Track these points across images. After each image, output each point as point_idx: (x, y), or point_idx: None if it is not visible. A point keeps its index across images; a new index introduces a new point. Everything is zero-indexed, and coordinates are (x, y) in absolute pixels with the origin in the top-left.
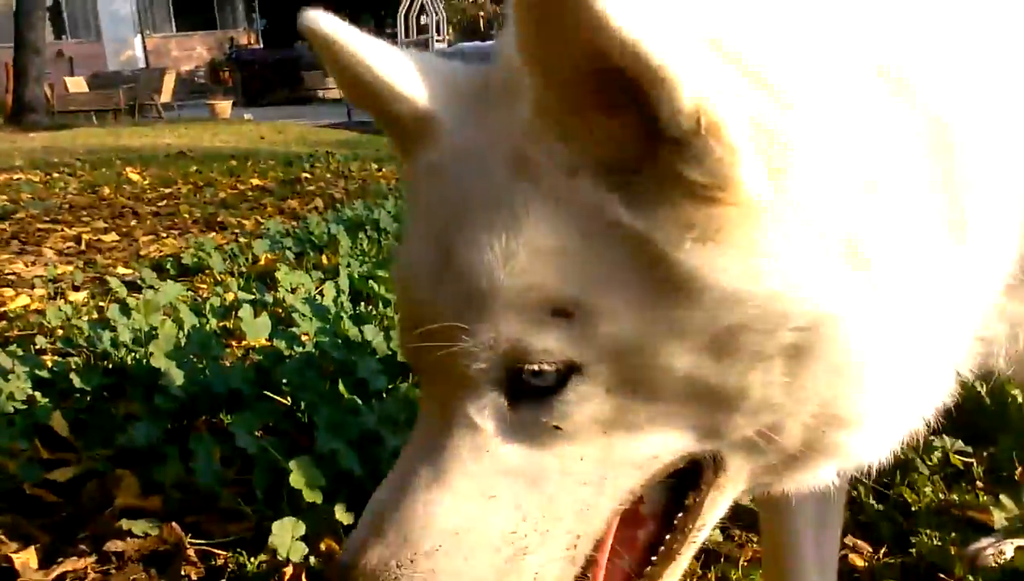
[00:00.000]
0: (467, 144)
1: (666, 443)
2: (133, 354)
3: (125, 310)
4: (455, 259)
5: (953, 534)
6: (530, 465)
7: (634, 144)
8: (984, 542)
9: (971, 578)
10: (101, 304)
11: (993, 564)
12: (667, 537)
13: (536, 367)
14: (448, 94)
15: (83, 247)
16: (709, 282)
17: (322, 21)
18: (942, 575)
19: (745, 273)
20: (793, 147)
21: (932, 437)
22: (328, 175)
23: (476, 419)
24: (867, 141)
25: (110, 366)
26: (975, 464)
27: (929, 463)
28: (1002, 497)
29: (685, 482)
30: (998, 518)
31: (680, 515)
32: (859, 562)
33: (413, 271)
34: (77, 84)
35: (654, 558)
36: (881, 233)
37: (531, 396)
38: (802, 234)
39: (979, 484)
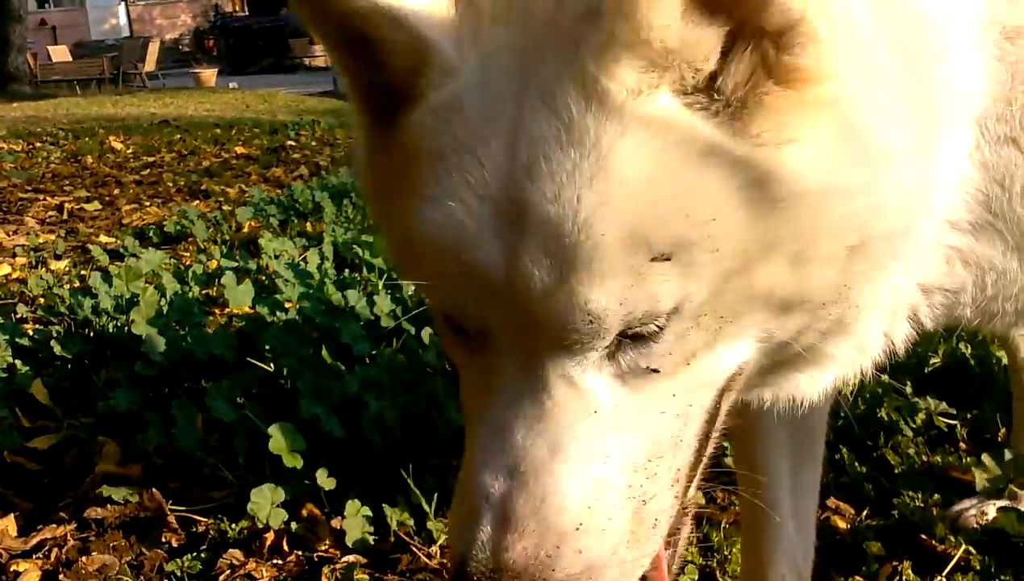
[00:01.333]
0: (498, 77)
1: (735, 356)
2: (114, 321)
3: (107, 278)
4: (535, 214)
5: (936, 496)
6: (634, 414)
7: (723, 52)
8: (966, 503)
9: (953, 539)
10: (83, 273)
11: (975, 525)
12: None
13: (642, 327)
14: (434, 15)
15: (65, 216)
16: (801, 184)
17: None
18: (924, 536)
19: (834, 165)
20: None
21: (916, 399)
22: (313, 143)
23: (577, 379)
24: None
25: (91, 334)
26: (959, 426)
27: (913, 425)
28: (984, 458)
29: None
30: (979, 479)
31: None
32: (842, 524)
33: (465, 230)
34: (60, 53)
35: None
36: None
37: (630, 345)
38: (869, 125)
39: (963, 446)
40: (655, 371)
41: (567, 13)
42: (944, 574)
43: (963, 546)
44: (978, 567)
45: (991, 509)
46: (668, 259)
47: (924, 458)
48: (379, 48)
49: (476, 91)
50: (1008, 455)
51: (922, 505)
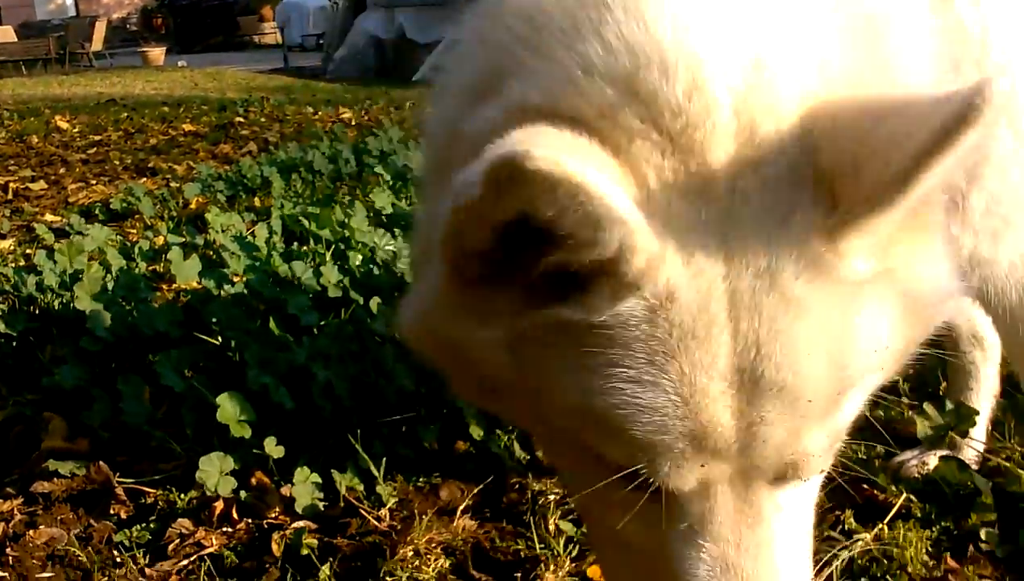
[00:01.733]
0: (704, 258)
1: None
2: (59, 298)
3: (51, 254)
4: (769, 384)
5: (878, 448)
6: (808, 518)
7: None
8: (908, 454)
9: (894, 488)
10: (28, 251)
11: (916, 475)
12: None
13: None
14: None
15: (10, 196)
16: (926, 295)
17: (564, 163)
18: (866, 486)
19: (939, 270)
20: None
21: None
22: (262, 119)
23: (783, 504)
24: None
25: (36, 311)
26: (901, 381)
27: None
28: (926, 406)
29: None
30: (921, 427)
31: None
32: None
33: (698, 409)
34: (5, 33)
35: None
36: None
37: None
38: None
39: (904, 400)
40: (822, 472)
41: (752, 183)
42: (885, 522)
43: (904, 494)
44: (919, 514)
45: (932, 459)
46: (853, 386)
47: (866, 411)
48: (567, 241)
49: (688, 278)
50: (949, 404)
51: (864, 457)
